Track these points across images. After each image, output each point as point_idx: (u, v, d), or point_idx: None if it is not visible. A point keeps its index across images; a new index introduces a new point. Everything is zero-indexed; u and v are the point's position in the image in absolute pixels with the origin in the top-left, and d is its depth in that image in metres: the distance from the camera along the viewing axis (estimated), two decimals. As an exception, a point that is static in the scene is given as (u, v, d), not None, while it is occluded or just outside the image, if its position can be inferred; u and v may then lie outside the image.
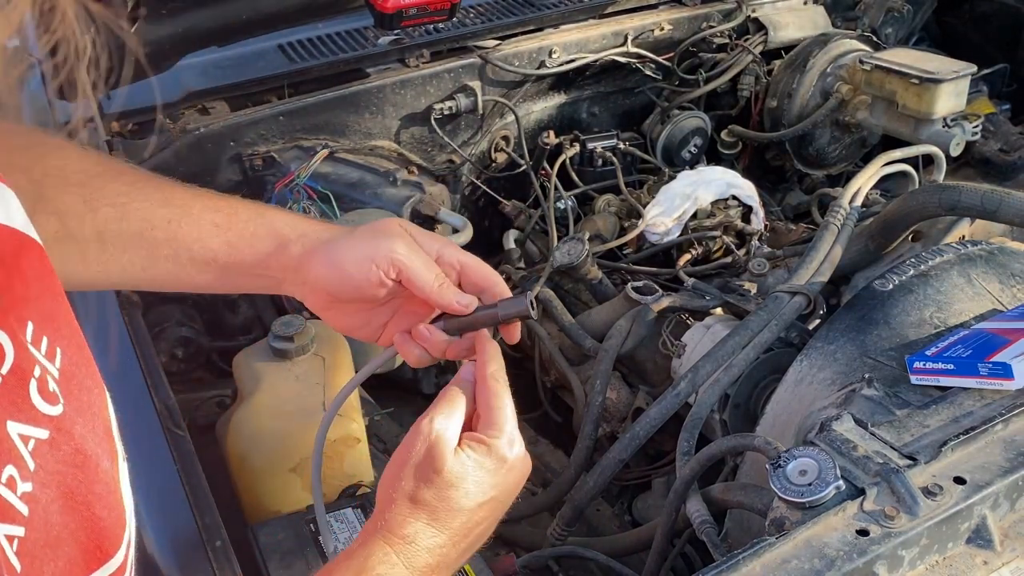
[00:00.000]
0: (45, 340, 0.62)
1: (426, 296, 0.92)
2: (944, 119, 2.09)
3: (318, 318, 0.98)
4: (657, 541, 1.37)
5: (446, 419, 0.84)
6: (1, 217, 0.62)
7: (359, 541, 0.81)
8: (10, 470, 0.55)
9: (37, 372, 0.59)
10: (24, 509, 0.55)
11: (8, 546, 0.54)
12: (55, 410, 0.60)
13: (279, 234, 0.93)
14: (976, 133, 2.14)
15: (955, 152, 2.09)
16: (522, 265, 2.15)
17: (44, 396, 0.59)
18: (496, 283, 0.95)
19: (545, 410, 2.01)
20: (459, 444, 0.84)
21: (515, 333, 0.95)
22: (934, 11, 2.82)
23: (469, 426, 0.87)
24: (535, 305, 0.94)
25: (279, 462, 1.41)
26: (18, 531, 0.55)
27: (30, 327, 0.61)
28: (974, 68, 2.11)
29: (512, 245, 2.18)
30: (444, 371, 2.02)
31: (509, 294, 0.95)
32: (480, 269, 0.96)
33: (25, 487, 0.56)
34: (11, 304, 0.59)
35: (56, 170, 0.90)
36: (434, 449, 0.82)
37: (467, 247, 1.85)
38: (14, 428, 0.56)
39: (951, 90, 2.06)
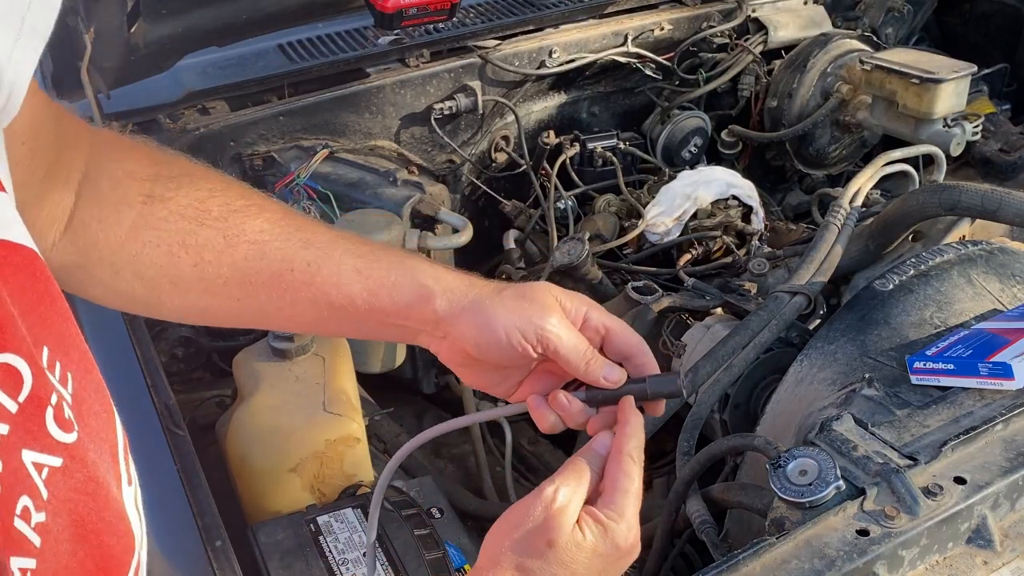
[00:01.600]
0: (59, 365, 0.60)
1: (573, 372, 0.89)
2: (944, 119, 2.09)
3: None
4: (657, 541, 1.37)
5: (571, 491, 0.81)
6: (15, 233, 0.59)
7: None
8: (25, 501, 0.54)
9: (54, 399, 0.58)
10: (37, 540, 0.55)
11: None
12: (70, 437, 0.59)
13: (422, 285, 0.90)
14: (976, 133, 2.14)
15: (955, 152, 2.09)
16: (522, 265, 2.15)
17: (60, 424, 0.58)
18: (642, 351, 0.91)
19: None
20: (578, 520, 0.80)
21: (660, 408, 0.92)
22: (934, 11, 2.82)
23: (589, 498, 0.83)
24: (686, 386, 0.89)
25: (279, 462, 1.41)
26: (30, 563, 0.54)
27: (45, 351, 0.59)
28: (974, 68, 2.11)
29: (512, 245, 2.17)
30: (444, 371, 2.02)
31: (653, 360, 0.91)
32: (626, 335, 0.91)
33: (39, 517, 0.55)
34: (29, 327, 0.57)
35: (197, 202, 0.88)
36: (552, 520, 0.79)
37: (467, 247, 1.88)
38: (29, 457, 0.55)
39: (951, 90, 2.06)
